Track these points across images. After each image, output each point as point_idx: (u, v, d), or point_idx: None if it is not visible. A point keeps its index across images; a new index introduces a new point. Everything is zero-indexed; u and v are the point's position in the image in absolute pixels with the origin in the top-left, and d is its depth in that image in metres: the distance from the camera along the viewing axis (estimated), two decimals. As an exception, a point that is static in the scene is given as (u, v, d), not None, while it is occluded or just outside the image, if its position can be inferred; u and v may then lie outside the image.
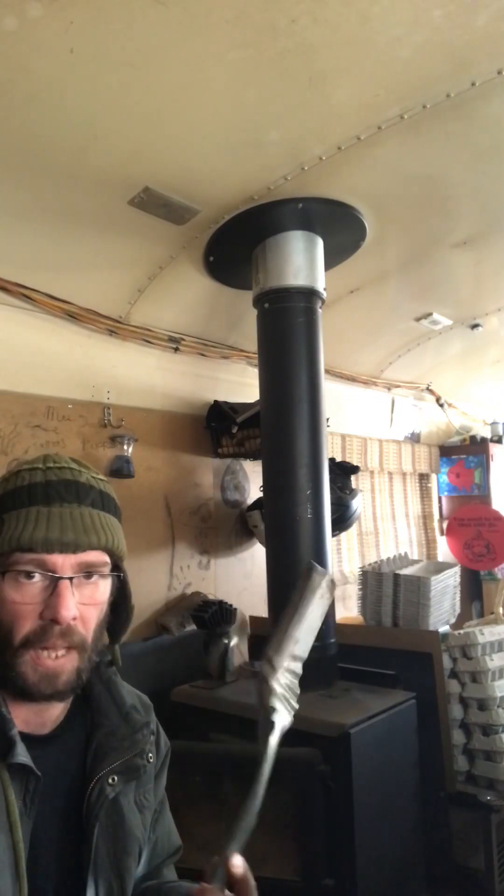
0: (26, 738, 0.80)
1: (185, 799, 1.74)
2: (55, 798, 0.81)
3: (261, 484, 2.17)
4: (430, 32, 1.26)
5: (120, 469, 2.29)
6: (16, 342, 2.06)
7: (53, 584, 0.78)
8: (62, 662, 0.79)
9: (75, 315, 2.17)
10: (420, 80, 1.41)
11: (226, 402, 2.62)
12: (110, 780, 0.83)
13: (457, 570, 2.55)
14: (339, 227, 2.02)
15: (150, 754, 0.91)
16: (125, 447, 2.33)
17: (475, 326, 3.09)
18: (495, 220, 2.12)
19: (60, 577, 0.79)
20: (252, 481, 2.87)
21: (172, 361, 2.53)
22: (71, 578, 0.79)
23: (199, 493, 2.66)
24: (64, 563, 0.79)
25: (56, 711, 0.85)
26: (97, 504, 0.84)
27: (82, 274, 2.10)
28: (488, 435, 4.31)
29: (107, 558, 0.84)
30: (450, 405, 4.14)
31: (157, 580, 2.47)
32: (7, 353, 2.05)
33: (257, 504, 2.67)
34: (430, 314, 2.91)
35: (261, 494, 2.34)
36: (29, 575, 0.78)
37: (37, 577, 0.78)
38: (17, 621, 0.78)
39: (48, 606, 0.78)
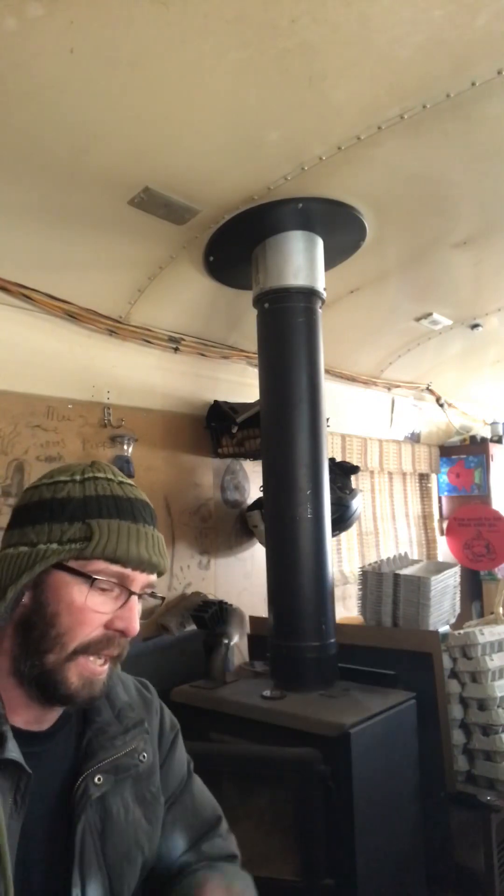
0: (22, 734, 0.80)
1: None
2: (48, 795, 0.81)
3: (261, 484, 2.17)
4: (430, 32, 1.26)
5: (120, 469, 2.28)
6: (16, 342, 2.06)
7: (127, 598, 0.82)
8: (103, 670, 0.82)
9: (75, 315, 2.17)
10: (420, 80, 1.41)
11: (226, 402, 2.62)
12: (96, 780, 0.83)
13: (457, 570, 2.55)
14: (339, 227, 2.02)
15: (144, 754, 0.91)
16: (125, 447, 2.33)
17: (475, 326, 3.09)
18: (495, 220, 2.12)
19: (134, 593, 0.82)
20: (252, 481, 2.87)
21: (172, 361, 2.53)
22: (140, 595, 0.84)
23: (199, 493, 2.66)
24: (140, 581, 0.83)
25: (58, 710, 0.85)
26: (157, 526, 0.89)
27: (82, 274, 2.10)
28: (488, 435, 4.31)
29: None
30: (450, 405, 4.14)
31: (157, 580, 2.47)
32: (7, 353, 2.05)
33: (257, 504, 2.67)
34: (430, 314, 2.91)
35: (261, 494, 2.34)
36: (105, 588, 0.81)
37: (115, 592, 0.81)
38: (82, 626, 0.80)
39: (120, 618, 0.81)
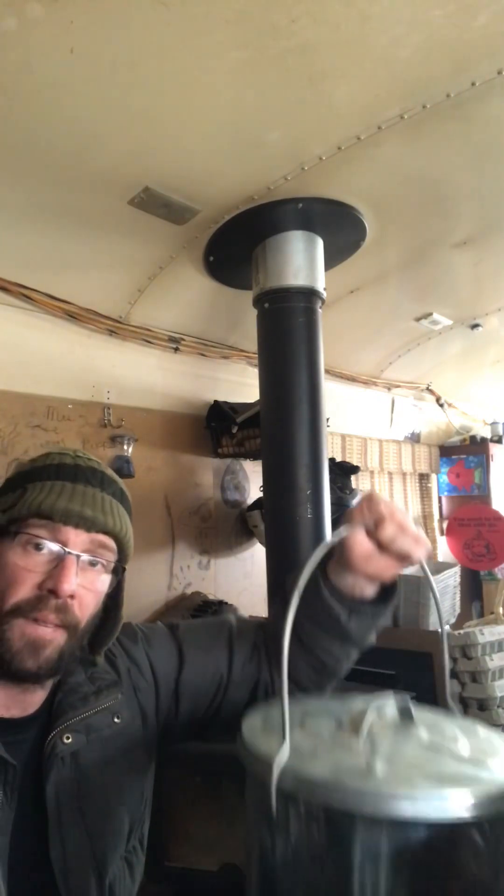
0: (5, 722, 0.80)
1: (185, 799, 1.74)
2: (37, 780, 0.81)
3: (261, 484, 2.17)
4: (430, 32, 1.26)
5: (120, 469, 2.29)
6: (16, 342, 2.06)
7: (60, 558, 0.79)
8: (50, 634, 0.79)
9: (75, 315, 2.17)
10: (420, 80, 1.41)
11: (226, 402, 2.62)
12: (65, 738, 0.82)
13: (457, 570, 2.55)
14: (339, 227, 2.02)
15: (119, 715, 0.89)
16: (125, 447, 2.33)
17: (475, 326, 3.09)
18: (495, 220, 2.12)
19: (68, 552, 0.79)
20: (252, 481, 2.87)
21: (172, 361, 2.53)
22: (78, 556, 0.80)
23: (199, 493, 2.66)
24: (76, 539, 0.80)
25: (39, 694, 0.85)
26: (117, 496, 0.87)
27: (82, 274, 2.10)
28: (488, 435, 4.31)
29: (115, 549, 0.85)
30: (450, 405, 4.14)
31: (157, 580, 2.47)
32: (7, 353, 2.05)
33: (257, 504, 2.67)
34: (430, 314, 2.91)
35: (261, 494, 2.34)
36: (38, 546, 0.79)
37: (45, 549, 0.79)
38: (13, 586, 0.78)
39: (50, 577, 0.78)
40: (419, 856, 0.55)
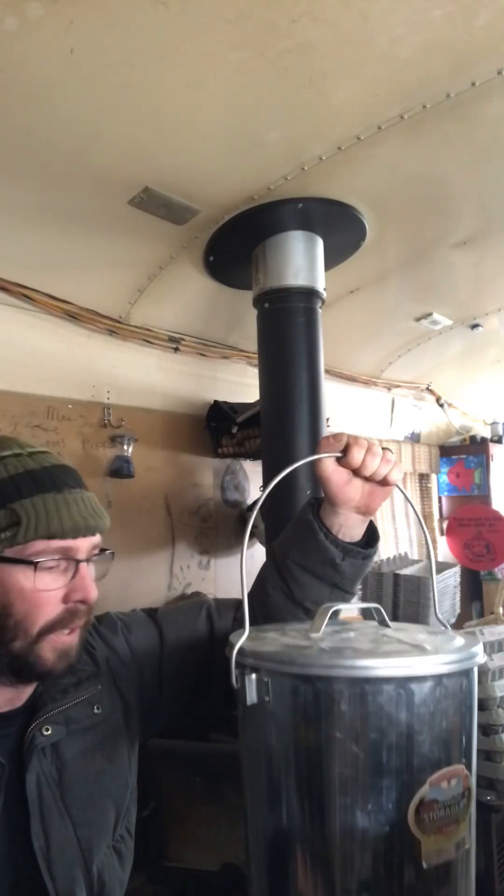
0: None
1: (185, 799, 1.74)
2: (20, 773, 0.81)
3: (261, 484, 2.16)
4: (430, 32, 1.26)
5: (120, 469, 2.29)
6: (16, 342, 2.06)
7: (74, 568, 0.80)
8: (73, 637, 0.82)
9: (75, 315, 2.17)
10: (420, 80, 1.41)
11: (226, 402, 2.62)
12: (44, 730, 0.83)
13: (457, 570, 2.56)
14: (339, 227, 2.02)
15: (99, 705, 0.90)
16: (125, 447, 2.33)
17: (475, 326, 3.09)
18: (495, 220, 2.12)
19: (81, 561, 0.81)
20: (252, 481, 2.87)
21: (172, 361, 2.53)
22: (88, 560, 0.82)
23: (199, 493, 2.66)
24: (83, 547, 0.81)
25: (30, 688, 0.85)
26: (83, 486, 0.86)
27: (82, 274, 2.10)
28: (488, 435, 4.31)
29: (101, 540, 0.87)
30: (450, 405, 4.14)
31: (157, 580, 2.47)
32: (7, 353, 2.04)
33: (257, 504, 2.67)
34: (430, 314, 2.91)
35: (261, 494, 2.34)
36: (52, 566, 0.79)
37: (61, 563, 0.79)
38: (39, 609, 0.78)
39: (74, 590, 0.80)
40: (346, 711, 0.67)
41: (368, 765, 0.67)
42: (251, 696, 0.71)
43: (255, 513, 0.92)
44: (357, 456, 0.88)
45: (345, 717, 0.67)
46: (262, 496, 0.86)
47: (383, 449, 0.91)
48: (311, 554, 0.94)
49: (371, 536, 0.98)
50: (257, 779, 0.73)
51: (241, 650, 0.74)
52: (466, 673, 0.72)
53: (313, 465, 0.93)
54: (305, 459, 0.91)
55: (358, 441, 0.89)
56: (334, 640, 0.76)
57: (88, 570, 0.82)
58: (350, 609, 0.84)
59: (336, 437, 0.90)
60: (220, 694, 0.93)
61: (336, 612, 0.83)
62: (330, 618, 0.80)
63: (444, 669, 0.69)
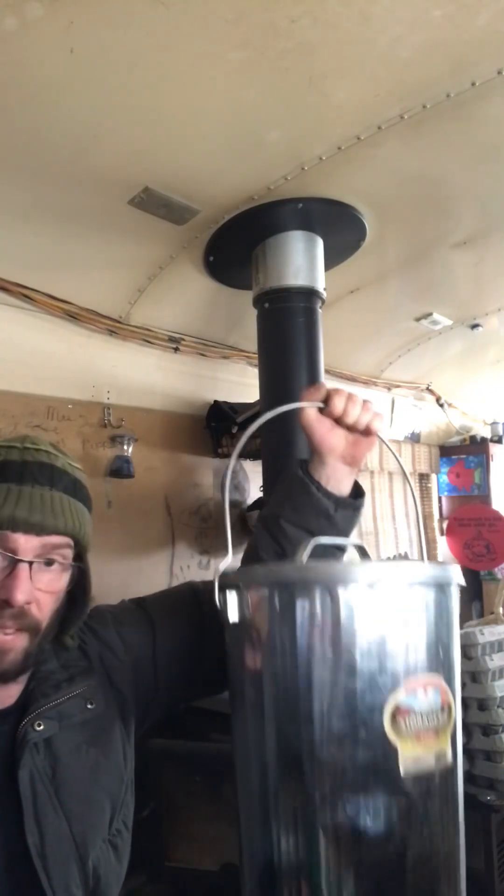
0: None
1: (185, 799, 1.74)
2: (13, 770, 0.81)
3: (261, 484, 2.16)
4: (430, 32, 1.26)
5: (120, 469, 2.29)
6: (16, 342, 2.06)
7: (12, 565, 0.77)
8: (10, 640, 0.78)
9: (75, 315, 2.17)
10: (420, 80, 1.41)
11: (226, 402, 2.62)
12: (36, 726, 0.82)
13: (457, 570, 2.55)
14: (339, 227, 2.02)
15: (92, 701, 0.89)
16: (125, 447, 2.33)
17: (475, 326, 3.09)
18: (495, 220, 2.12)
19: (19, 560, 0.77)
20: (252, 481, 2.87)
21: (172, 361, 2.53)
22: (31, 563, 0.78)
23: (199, 493, 2.66)
24: (26, 544, 0.78)
25: (14, 688, 0.85)
26: (69, 490, 0.83)
27: (82, 274, 2.10)
28: (488, 435, 4.31)
29: (70, 545, 0.83)
30: (450, 405, 4.14)
31: (157, 580, 2.47)
32: (7, 353, 2.04)
33: (257, 504, 2.67)
34: (430, 314, 2.91)
35: (261, 494, 2.34)
36: None
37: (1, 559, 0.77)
38: None
39: (3, 587, 0.77)
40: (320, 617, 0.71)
41: (342, 667, 0.69)
42: (233, 613, 0.75)
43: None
44: (338, 404, 0.91)
45: (318, 619, 0.70)
46: (245, 435, 0.88)
47: (364, 401, 0.94)
48: (304, 509, 0.95)
49: (356, 492, 1.00)
50: (240, 696, 0.77)
51: (223, 574, 0.79)
52: (442, 588, 0.76)
53: (297, 416, 0.95)
54: (286, 406, 0.93)
55: (339, 391, 0.92)
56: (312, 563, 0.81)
57: (25, 572, 0.77)
58: (334, 543, 0.88)
59: (316, 387, 0.94)
60: (214, 665, 0.91)
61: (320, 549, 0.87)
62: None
63: (417, 578, 0.74)
